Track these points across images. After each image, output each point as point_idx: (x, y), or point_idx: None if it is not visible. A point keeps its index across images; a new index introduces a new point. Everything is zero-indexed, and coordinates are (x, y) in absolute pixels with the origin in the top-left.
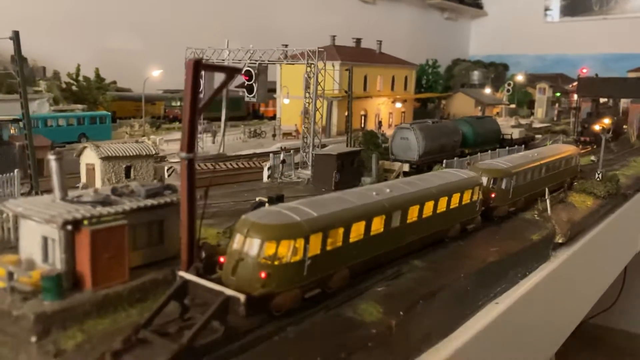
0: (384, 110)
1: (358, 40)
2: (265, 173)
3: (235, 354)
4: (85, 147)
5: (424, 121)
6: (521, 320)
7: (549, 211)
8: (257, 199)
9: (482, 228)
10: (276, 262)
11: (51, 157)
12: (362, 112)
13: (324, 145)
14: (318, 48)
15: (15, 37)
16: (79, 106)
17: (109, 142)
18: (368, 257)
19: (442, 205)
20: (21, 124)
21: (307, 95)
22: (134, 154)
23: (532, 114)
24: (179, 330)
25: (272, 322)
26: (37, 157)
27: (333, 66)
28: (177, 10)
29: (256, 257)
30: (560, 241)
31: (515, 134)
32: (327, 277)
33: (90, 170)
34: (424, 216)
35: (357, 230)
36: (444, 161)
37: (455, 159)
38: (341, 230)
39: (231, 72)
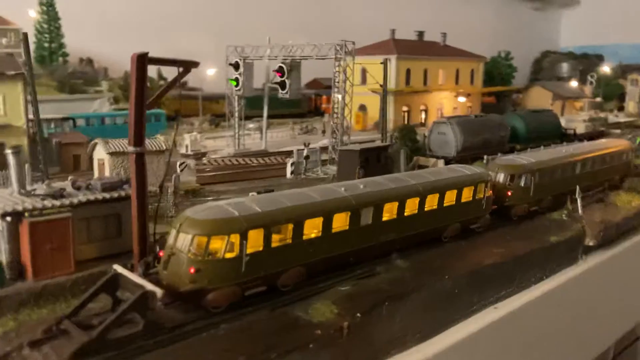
0: (447, 104)
1: (420, 33)
2: (289, 169)
3: (151, 349)
4: (96, 143)
5: (465, 115)
6: (531, 328)
7: (579, 211)
8: (250, 194)
9: (495, 228)
10: (208, 258)
11: (8, 152)
12: (422, 107)
13: (371, 141)
14: (345, 42)
15: (24, 38)
16: None
17: (120, 138)
18: (330, 255)
19: (431, 203)
20: (71, 122)
21: (336, 90)
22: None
23: (622, 107)
24: (102, 323)
25: (207, 318)
26: (73, 153)
27: (389, 60)
28: (243, 10)
29: (186, 252)
30: (590, 244)
31: (581, 128)
32: (275, 275)
33: (101, 165)
34: (406, 214)
35: (314, 227)
36: (485, 157)
37: (499, 154)
38: (290, 227)
39: (187, 65)
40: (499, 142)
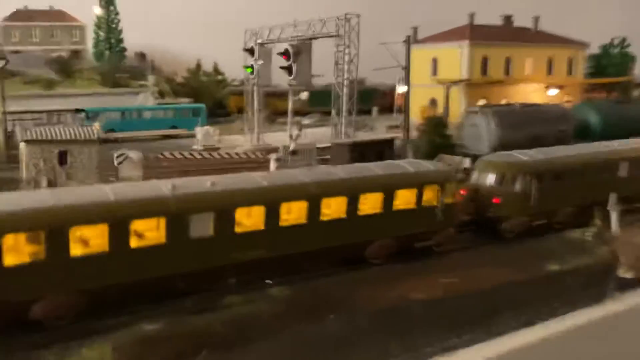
0: (537, 98)
1: (507, 18)
2: (272, 166)
3: None
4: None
5: (509, 105)
6: None
7: (613, 229)
8: None
9: (473, 247)
10: None
11: None
12: (504, 101)
13: None
14: (347, 15)
15: None
16: (185, 99)
17: (45, 126)
18: (131, 279)
19: (334, 210)
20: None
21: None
22: (70, 137)
23: None
24: None
25: None
26: None
27: (461, 47)
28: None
29: None
30: (627, 276)
31: None
32: (20, 304)
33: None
34: (284, 224)
35: (93, 238)
36: None
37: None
38: (43, 235)
39: None
40: (557, 138)
